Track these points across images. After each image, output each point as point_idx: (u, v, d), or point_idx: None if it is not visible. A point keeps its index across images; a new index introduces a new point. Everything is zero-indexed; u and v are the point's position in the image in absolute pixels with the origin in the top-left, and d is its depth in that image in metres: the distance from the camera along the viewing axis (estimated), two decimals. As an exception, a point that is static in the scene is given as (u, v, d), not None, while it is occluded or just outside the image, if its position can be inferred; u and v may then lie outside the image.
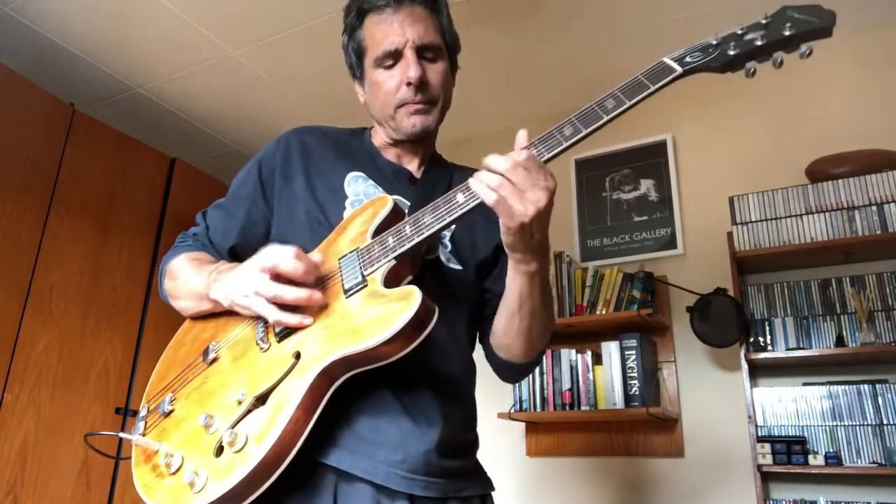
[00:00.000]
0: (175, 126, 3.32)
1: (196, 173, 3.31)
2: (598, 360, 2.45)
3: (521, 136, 0.88)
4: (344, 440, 0.88)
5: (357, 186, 1.06)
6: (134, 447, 0.92)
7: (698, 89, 2.82)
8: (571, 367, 2.47)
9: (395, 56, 1.05)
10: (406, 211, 1.02)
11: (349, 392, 0.85)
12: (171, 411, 0.93)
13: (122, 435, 0.93)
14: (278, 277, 0.87)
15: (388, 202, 0.96)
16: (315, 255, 0.92)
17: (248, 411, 0.82)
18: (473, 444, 1.06)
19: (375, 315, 0.81)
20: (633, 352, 2.35)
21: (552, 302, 1.03)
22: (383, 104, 1.07)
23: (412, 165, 1.14)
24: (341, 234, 0.98)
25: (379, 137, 1.16)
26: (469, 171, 1.21)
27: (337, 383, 0.83)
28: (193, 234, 1.15)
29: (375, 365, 0.82)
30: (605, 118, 0.83)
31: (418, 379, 0.94)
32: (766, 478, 2.20)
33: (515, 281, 0.93)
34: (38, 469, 2.39)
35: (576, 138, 0.84)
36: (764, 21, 0.81)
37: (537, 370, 2.51)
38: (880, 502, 2.06)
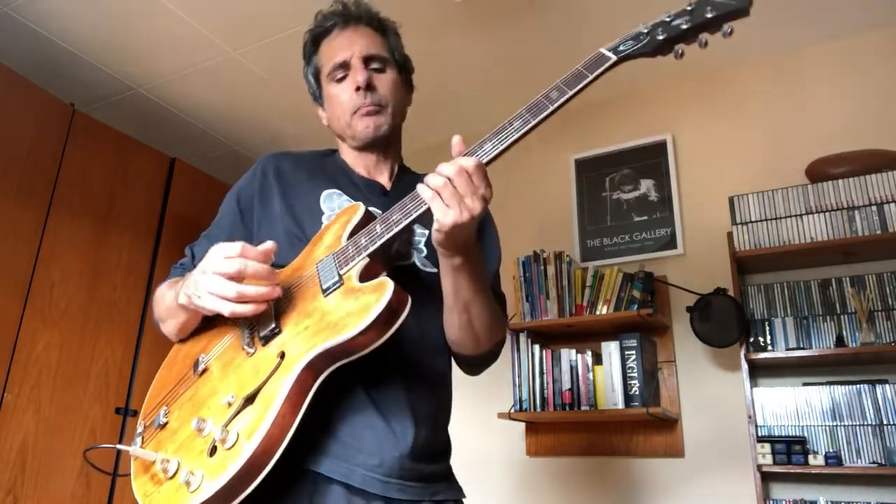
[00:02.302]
0: (175, 126, 3.32)
1: (196, 173, 3.30)
2: (598, 360, 2.45)
3: (456, 141, 0.90)
4: (323, 445, 0.91)
5: (332, 202, 1.11)
6: (133, 461, 0.96)
7: (698, 89, 2.83)
8: (571, 367, 2.47)
9: (344, 67, 1.14)
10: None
11: (328, 398, 0.89)
12: (166, 423, 0.97)
13: (119, 447, 0.96)
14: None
15: (359, 208, 1.00)
16: (265, 245, 0.92)
17: (239, 411, 0.85)
18: (446, 447, 1.09)
19: (352, 308, 0.85)
20: (633, 352, 2.35)
21: (490, 298, 1.05)
22: (340, 114, 1.15)
23: (383, 178, 1.19)
24: (317, 244, 1.01)
25: (348, 154, 1.21)
26: None
27: (322, 377, 0.86)
28: (181, 265, 1.18)
29: (357, 355, 0.86)
30: (551, 107, 0.87)
31: (393, 384, 0.98)
32: (766, 478, 2.20)
33: (445, 277, 0.97)
34: (38, 469, 2.38)
35: (525, 129, 0.88)
36: (689, 7, 0.87)
37: (537, 370, 2.51)
38: (880, 502, 2.06)
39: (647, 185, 2.84)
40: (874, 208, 2.17)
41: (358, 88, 1.12)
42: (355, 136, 1.15)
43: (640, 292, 2.45)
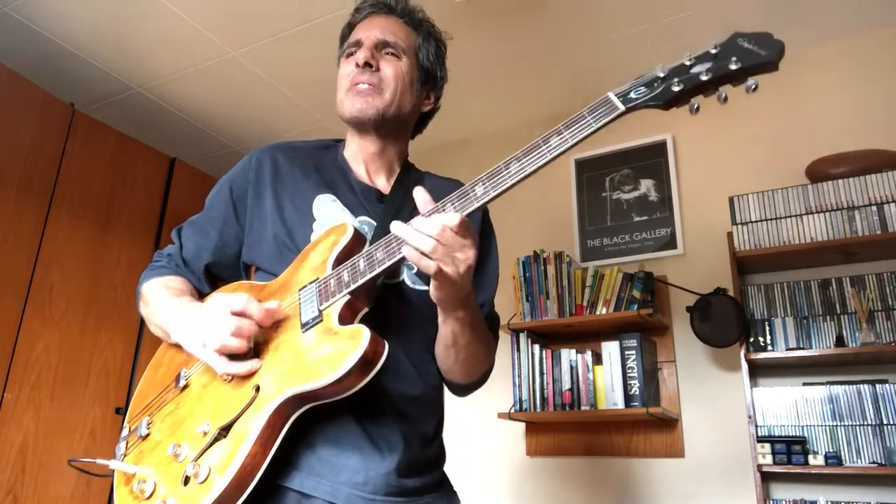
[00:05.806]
0: (175, 126, 3.32)
1: (196, 173, 3.31)
2: (598, 360, 2.45)
3: (422, 197, 0.87)
4: (307, 464, 0.90)
5: (325, 208, 1.06)
6: (115, 470, 0.98)
7: (698, 89, 2.83)
8: (571, 367, 2.47)
9: (357, 45, 1.13)
10: (370, 233, 1.03)
11: (312, 417, 0.88)
12: (148, 434, 0.97)
13: (100, 461, 0.98)
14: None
15: (347, 230, 0.95)
16: (269, 304, 0.93)
17: (213, 442, 0.86)
18: (437, 458, 1.06)
19: (326, 354, 0.83)
20: (633, 352, 2.35)
21: (486, 333, 1.06)
22: (338, 90, 1.13)
23: (380, 179, 1.15)
24: (304, 262, 0.98)
25: (350, 145, 1.17)
26: (440, 181, 1.20)
27: (293, 416, 0.85)
28: (168, 255, 1.16)
29: (329, 400, 0.84)
30: (550, 156, 0.81)
31: (379, 403, 0.96)
32: (766, 478, 2.19)
33: (447, 325, 0.96)
34: (38, 469, 2.39)
35: (521, 176, 0.83)
36: (713, 51, 0.79)
37: (537, 370, 2.51)
38: (880, 502, 2.06)
39: (647, 185, 2.84)
40: (874, 208, 2.17)
41: (358, 64, 1.09)
42: (343, 114, 1.11)
43: (640, 292, 2.45)
